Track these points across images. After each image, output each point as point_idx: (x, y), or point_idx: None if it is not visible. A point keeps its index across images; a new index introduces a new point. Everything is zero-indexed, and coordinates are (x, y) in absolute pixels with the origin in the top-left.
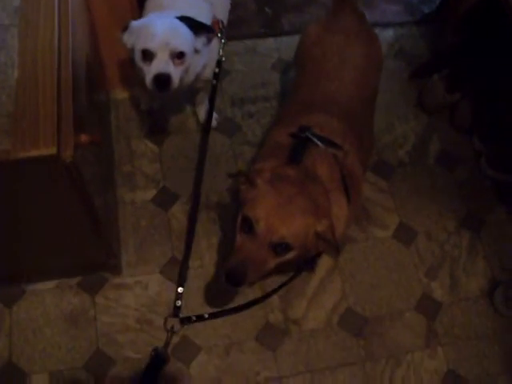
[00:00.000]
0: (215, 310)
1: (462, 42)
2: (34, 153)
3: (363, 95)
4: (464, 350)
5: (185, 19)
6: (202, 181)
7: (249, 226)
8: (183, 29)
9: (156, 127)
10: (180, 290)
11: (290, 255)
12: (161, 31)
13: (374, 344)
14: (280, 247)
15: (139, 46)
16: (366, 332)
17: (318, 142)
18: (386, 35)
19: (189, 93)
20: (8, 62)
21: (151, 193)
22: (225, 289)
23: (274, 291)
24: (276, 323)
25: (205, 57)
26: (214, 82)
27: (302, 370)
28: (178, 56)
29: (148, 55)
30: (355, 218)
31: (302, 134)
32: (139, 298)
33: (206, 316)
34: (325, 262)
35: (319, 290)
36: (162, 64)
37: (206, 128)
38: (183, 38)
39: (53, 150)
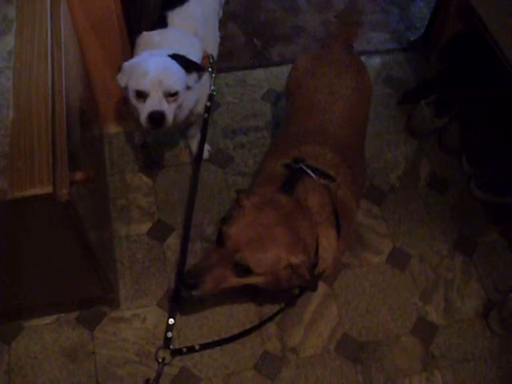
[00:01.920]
0: (212, 340)
1: (447, 69)
2: (30, 192)
3: (354, 125)
4: (462, 371)
5: (176, 57)
6: (193, 211)
7: (220, 239)
8: (175, 67)
9: (150, 161)
10: (171, 321)
11: (253, 279)
12: (153, 70)
13: (371, 369)
14: (240, 268)
15: (133, 86)
16: (363, 357)
17: (312, 174)
18: (374, 63)
19: (182, 126)
20: (3, 104)
21: (146, 226)
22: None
23: (263, 323)
24: (274, 351)
25: (196, 92)
26: (206, 115)
27: None
28: (171, 94)
29: (142, 94)
30: (348, 248)
31: (295, 164)
32: (137, 331)
33: (197, 348)
34: (320, 289)
35: (316, 317)
36: (155, 102)
37: (197, 158)
38: (176, 76)
39: (48, 189)
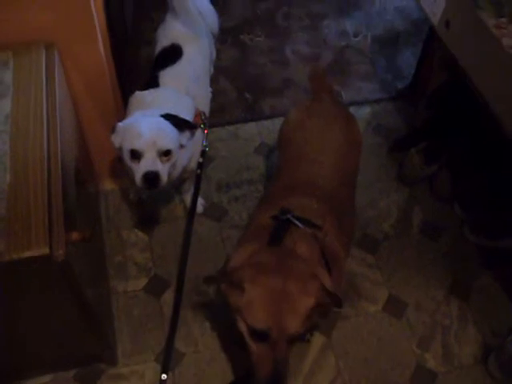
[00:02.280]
0: None
1: (434, 117)
2: (26, 254)
3: (343, 176)
4: None
5: (169, 117)
6: (187, 265)
7: (259, 335)
8: (168, 127)
9: (145, 217)
10: (163, 376)
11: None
12: (147, 131)
13: None
14: (295, 338)
15: (127, 147)
16: None
17: (298, 224)
18: (363, 112)
19: (176, 183)
20: (0, 167)
21: (143, 281)
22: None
23: None
24: None
25: (190, 149)
26: (199, 171)
27: None
28: (165, 154)
29: (136, 155)
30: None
31: (282, 216)
32: None
33: None
34: (317, 341)
35: (314, 369)
36: (149, 163)
37: (190, 212)
38: (169, 136)
39: (45, 250)
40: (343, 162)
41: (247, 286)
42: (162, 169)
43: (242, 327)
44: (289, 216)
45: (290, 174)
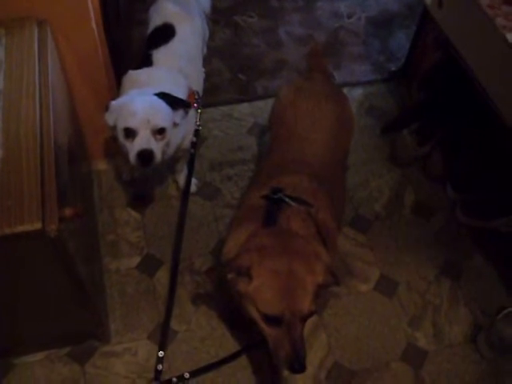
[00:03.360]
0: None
1: (427, 97)
2: (19, 228)
3: (334, 154)
4: None
5: (163, 95)
6: (182, 243)
7: (273, 319)
8: (162, 105)
9: (138, 196)
10: (161, 353)
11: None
12: (141, 109)
13: None
14: (307, 317)
15: (121, 125)
16: None
17: (291, 202)
18: (356, 94)
19: (169, 161)
20: None
21: (135, 260)
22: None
23: (252, 347)
24: (265, 382)
25: (183, 128)
26: (192, 150)
27: None
28: (159, 132)
29: (130, 133)
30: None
31: (274, 195)
32: (129, 365)
33: (187, 376)
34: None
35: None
36: (144, 141)
37: (184, 192)
38: (163, 114)
39: (38, 226)
40: (334, 141)
41: (254, 272)
42: (156, 147)
43: (253, 313)
44: (280, 195)
45: (280, 153)
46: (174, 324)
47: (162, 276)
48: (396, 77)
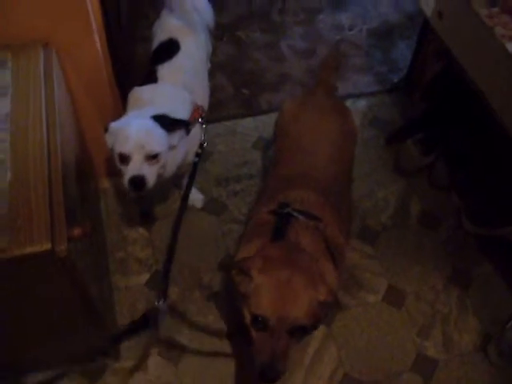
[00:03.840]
0: None
1: (429, 107)
2: (29, 249)
3: (338, 167)
4: None
5: (160, 118)
6: (176, 245)
7: (260, 322)
8: (157, 130)
9: (145, 213)
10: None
11: (307, 332)
12: (135, 135)
13: None
14: (296, 330)
15: (117, 150)
16: None
17: (299, 216)
18: (360, 105)
19: (175, 178)
20: (1, 165)
21: (144, 277)
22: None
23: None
24: None
25: (184, 147)
26: (196, 159)
27: None
28: (153, 156)
29: (124, 158)
30: (341, 284)
31: (282, 210)
32: (140, 382)
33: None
34: (318, 331)
35: (315, 360)
36: (136, 167)
37: (183, 197)
38: (157, 139)
39: (47, 246)
40: (339, 153)
41: (255, 273)
42: (149, 172)
43: (246, 315)
44: (289, 210)
45: (286, 167)
46: (184, 340)
47: (172, 292)
48: (399, 87)
